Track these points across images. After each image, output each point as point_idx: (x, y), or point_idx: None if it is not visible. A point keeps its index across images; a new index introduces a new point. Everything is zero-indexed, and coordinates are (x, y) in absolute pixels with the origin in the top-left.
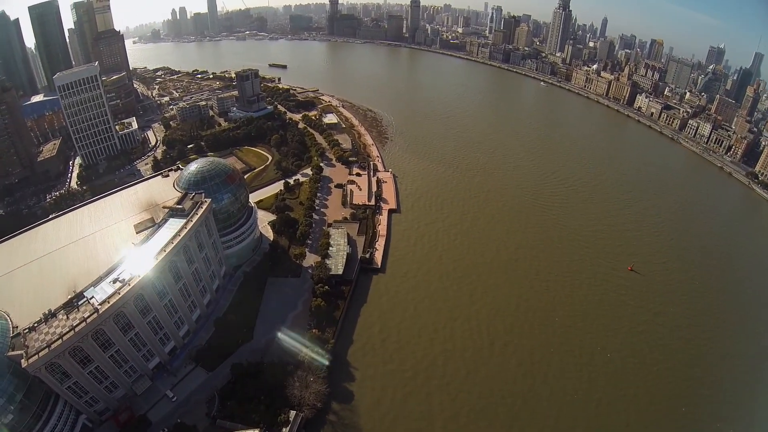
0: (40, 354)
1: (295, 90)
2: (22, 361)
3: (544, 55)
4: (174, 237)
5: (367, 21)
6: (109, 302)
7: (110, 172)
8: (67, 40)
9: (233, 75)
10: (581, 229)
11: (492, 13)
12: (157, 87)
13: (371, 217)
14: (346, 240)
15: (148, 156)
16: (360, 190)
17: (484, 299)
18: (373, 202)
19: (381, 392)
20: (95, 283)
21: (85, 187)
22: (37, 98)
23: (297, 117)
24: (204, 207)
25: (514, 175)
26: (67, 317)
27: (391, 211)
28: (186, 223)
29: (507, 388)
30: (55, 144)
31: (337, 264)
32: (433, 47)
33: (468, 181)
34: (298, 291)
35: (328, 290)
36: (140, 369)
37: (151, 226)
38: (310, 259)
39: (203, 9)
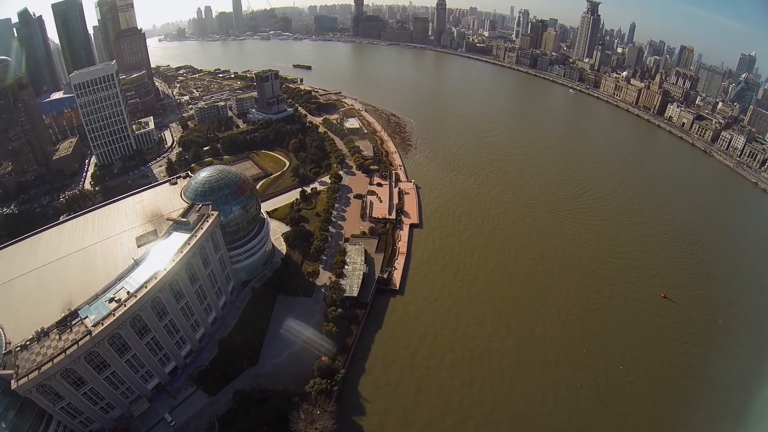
0: (30, 376)
1: (317, 92)
2: (12, 382)
3: (571, 60)
4: (176, 254)
5: (393, 23)
6: (103, 324)
7: (124, 173)
8: (92, 38)
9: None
10: (609, 249)
11: (519, 16)
12: (178, 86)
13: (391, 232)
14: (363, 258)
15: (163, 157)
16: (380, 201)
17: (508, 329)
18: (393, 216)
19: (393, 430)
20: (91, 301)
21: (97, 188)
22: (57, 95)
23: (317, 120)
24: (210, 221)
25: (540, 188)
26: (60, 338)
27: (412, 226)
28: (190, 239)
29: (532, 428)
30: (71, 142)
31: (352, 285)
32: (458, 51)
33: (494, 193)
34: (310, 312)
35: (341, 314)
36: (138, 390)
37: (153, 239)
38: (324, 277)
39: (228, 8)
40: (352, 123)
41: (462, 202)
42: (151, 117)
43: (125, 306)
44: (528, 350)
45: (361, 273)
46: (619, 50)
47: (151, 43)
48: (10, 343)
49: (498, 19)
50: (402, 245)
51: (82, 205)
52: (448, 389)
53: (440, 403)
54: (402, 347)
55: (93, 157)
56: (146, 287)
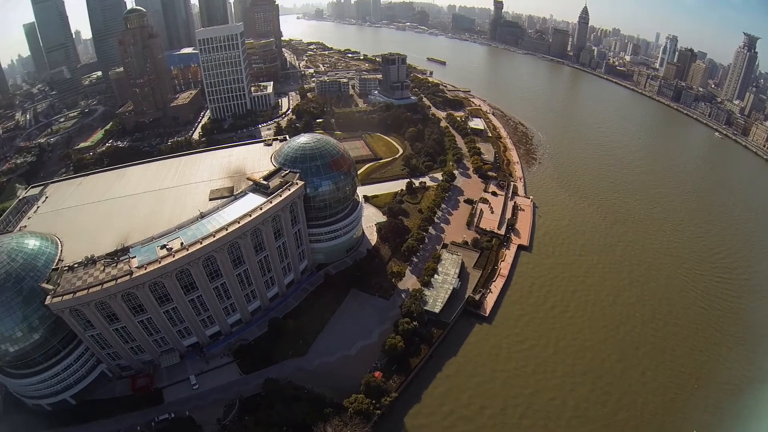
0: (65, 297)
1: (445, 86)
2: (48, 297)
3: (719, 100)
4: (244, 217)
5: (531, 32)
6: (146, 269)
7: (233, 130)
8: (231, 5)
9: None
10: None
11: (666, 42)
12: (306, 59)
13: (496, 249)
14: (457, 271)
15: (275, 121)
16: (491, 212)
17: (607, 395)
18: (502, 232)
19: None
20: (145, 243)
21: (204, 139)
22: (187, 50)
23: (441, 114)
24: (292, 190)
25: (669, 238)
26: (104, 269)
27: (520, 248)
28: (264, 204)
29: None
30: (191, 93)
31: (436, 299)
32: (597, 71)
33: (615, 230)
34: (381, 316)
35: (414, 328)
36: (172, 343)
37: (227, 196)
38: (409, 281)
39: None
40: (476, 123)
41: (579, 232)
42: (272, 83)
43: (173, 257)
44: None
45: (451, 288)
46: None
47: (290, 20)
48: (62, 260)
49: (642, 45)
50: (505, 267)
51: (184, 151)
52: None
53: None
54: (472, 387)
55: (208, 110)
56: (200, 243)
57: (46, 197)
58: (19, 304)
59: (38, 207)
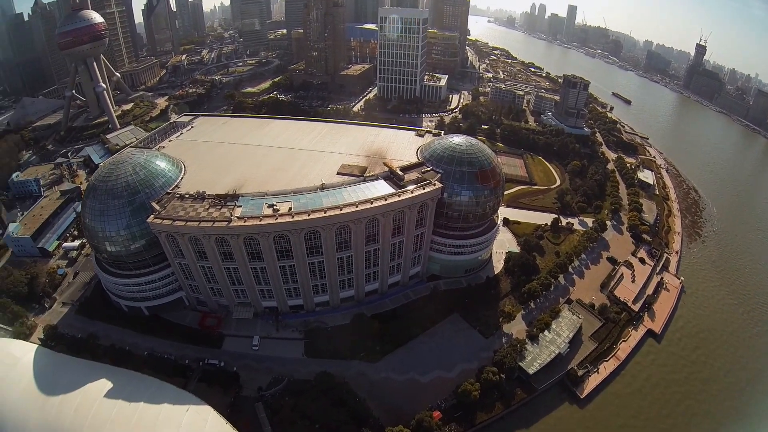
0: (164, 221)
1: (623, 126)
2: (151, 216)
3: None
4: (363, 203)
5: (731, 89)
6: (244, 222)
7: (395, 112)
8: None
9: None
10: None
11: None
12: (487, 62)
13: (622, 324)
14: (571, 335)
15: (439, 115)
16: (632, 281)
17: None
18: (637, 308)
19: None
20: (256, 196)
21: (363, 113)
22: (370, 26)
23: (611, 155)
24: (426, 190)
25: None
26: (208, 208)
27: (649, 333)
28: (390, 196)
29: None
30: (363, 67)
31: (535, 359)
32: None
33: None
34: (471, 354)
35: (497, 381)
36: (251, 299)
37: (356, 175)
38: (515, 327)
39: (562, 13)
40: (646, 176)
41: (722, 338)
42: (447, 77)
43: (275, 219)
44: None
45: (557, 352)
46: None
47: (480, 21)
48: (178, 187)
49: None
50: (624, 349)
51: (340, 119)
52: None
53: None
54: None
55: (376, 87)
56: (308, 215)
57: (192, 127)
58: (127, 213)
59: (181, 133)
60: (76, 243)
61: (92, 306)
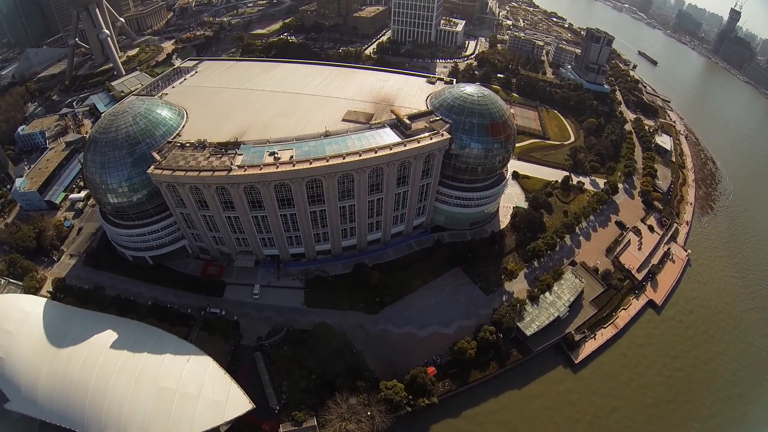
0: (164, 172)
1: (644, 86)
2: (151, 167)
3: None
4: (367, 152)
5: (762, 60)
6: (245, 170)
7: (408, 56)
8: None
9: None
10: None
11: None
12: (508, 9)
13: (624, 292)
14: (572, 298)
15: (454, 61)
16: (639, 249)
17: None
18: (640, 276)
19: None
20: (257, 144)
21: (375, 56)
22: None
23: (629, 116)
24: (434, 140)
25: None
26: (209, 157)
27: (649, 304)
28: (396, 145)
29: None
30: (377, 9)
31: (533, 320)
32: None
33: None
34: (470, 310)
35: (494, 340)
36: (253, 247)
37: (362, 122)
38: (517, 286)
39: None
40: (664, 141)
41: (721, 319)
42: (464, 22)
43: (276, 167)
44: None
45: (555, 315)
46: None
47: None
48: (180, 135)
49: None
50: (623, 318)
51: (351, 62)
52: None
53: None
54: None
55: (390, 30)
56: (309, 163)
57: (196, 72)
58: (128, 164)
59: (185, 79)
60: (82, 194)
61: (98, 257)
